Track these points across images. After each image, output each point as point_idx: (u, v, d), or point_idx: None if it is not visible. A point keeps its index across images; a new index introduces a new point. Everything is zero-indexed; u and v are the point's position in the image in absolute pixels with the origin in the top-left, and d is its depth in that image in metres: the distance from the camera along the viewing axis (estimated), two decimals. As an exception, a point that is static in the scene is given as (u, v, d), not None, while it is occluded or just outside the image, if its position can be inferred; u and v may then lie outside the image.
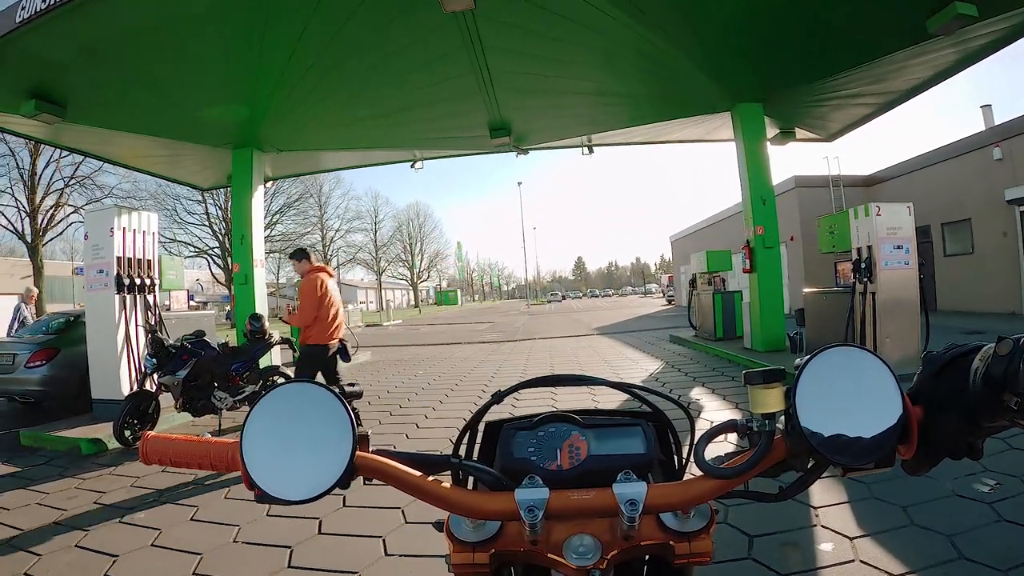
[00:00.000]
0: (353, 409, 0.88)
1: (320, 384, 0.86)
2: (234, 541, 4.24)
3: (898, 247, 9.20)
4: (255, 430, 0.82)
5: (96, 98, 10.47)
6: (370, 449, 0.91)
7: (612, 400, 7.99)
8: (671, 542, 0.89)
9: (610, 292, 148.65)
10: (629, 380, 1.12)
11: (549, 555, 0.87)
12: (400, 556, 3.89)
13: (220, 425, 7.80)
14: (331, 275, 7.52)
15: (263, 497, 0.80)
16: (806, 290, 12.19)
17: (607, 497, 0.85)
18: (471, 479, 1.02)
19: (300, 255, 7.59)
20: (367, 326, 38.46)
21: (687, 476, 0.95)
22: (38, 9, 7.95)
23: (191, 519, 4.75)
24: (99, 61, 9.26)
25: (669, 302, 49.04)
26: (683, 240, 42.34)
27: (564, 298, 76.55)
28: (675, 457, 1.14)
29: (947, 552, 3.46)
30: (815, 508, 4.22)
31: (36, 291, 12.98)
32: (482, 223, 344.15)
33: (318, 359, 7.14)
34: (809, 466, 0.86)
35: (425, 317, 52.23)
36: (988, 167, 18.56)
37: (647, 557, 1.04)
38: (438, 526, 0.97)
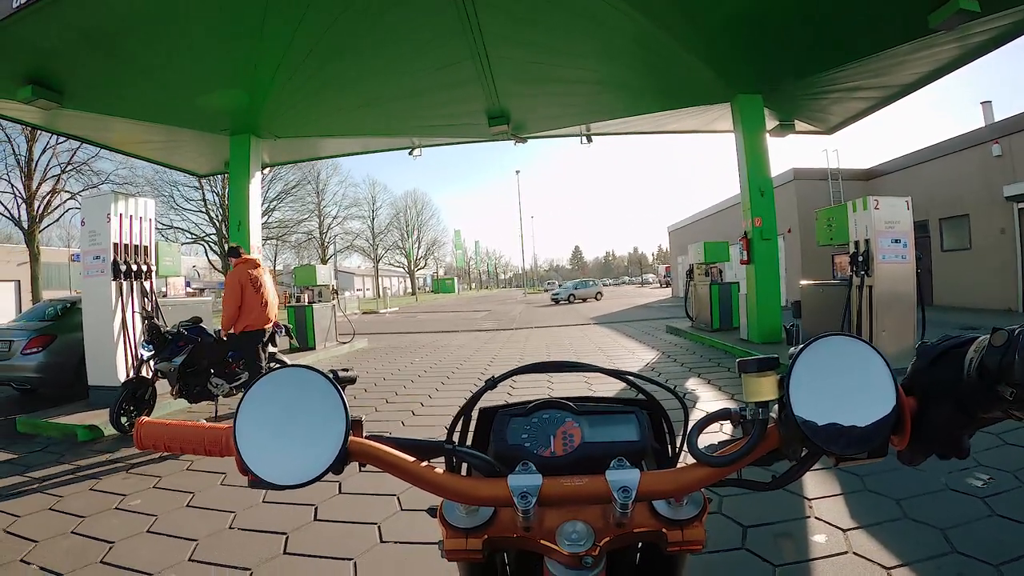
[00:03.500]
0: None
1: (314, 369, 0.86)
2: (230, 527, 4.25)
3: (896, 241, 9.21)
4: (248, 415, 0.82)
5: (93, 84, 10.45)
6: (364, 434, 0.91)
7: (608, 388, 8.00)
8: (663, 529, 0.89)
9: (608, 282, 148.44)
10: (625, 369, 1.12)
11: (542, 541, 0.86)
12: (396, 543, 3.89)
13: (216, 411, 7.81)
14: (256, 265, 8.01)
15: (256, 482, 0.80)
16: (803, 282, 12.20)
17: (600, 484, 0.84)
18: (465, 465, 1.03)
19: (233, 253, 8.17)
20: (364, 313, 38.48)
21: (680, 464, 0.95)
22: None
23: (187, 505, 4.75)
24: (96, 47, 9.23)
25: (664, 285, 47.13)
26: (681, 231, 42.09)
27: (571, 298, 49.75)
28: (669, 445, 1.14)
29: (940, 546, 3.48)
30: (809, 500, 4.23)
31: None
32: (480, 211, 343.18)
33: (252, 343, 7.76)
34: (802, 455, 0.86)
35: (422, 305, 52.22)
36: (987, 163, 18.55)
37: (640, 544, 1.05)
38: (431, 512, 0.97)
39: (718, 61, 11.18)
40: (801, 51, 10.85)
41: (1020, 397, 0.69)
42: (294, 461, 0.80)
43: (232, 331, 7.75)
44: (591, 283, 49.55)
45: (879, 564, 3.31)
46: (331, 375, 0.87)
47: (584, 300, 44.88)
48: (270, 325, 7.98)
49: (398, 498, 4.61)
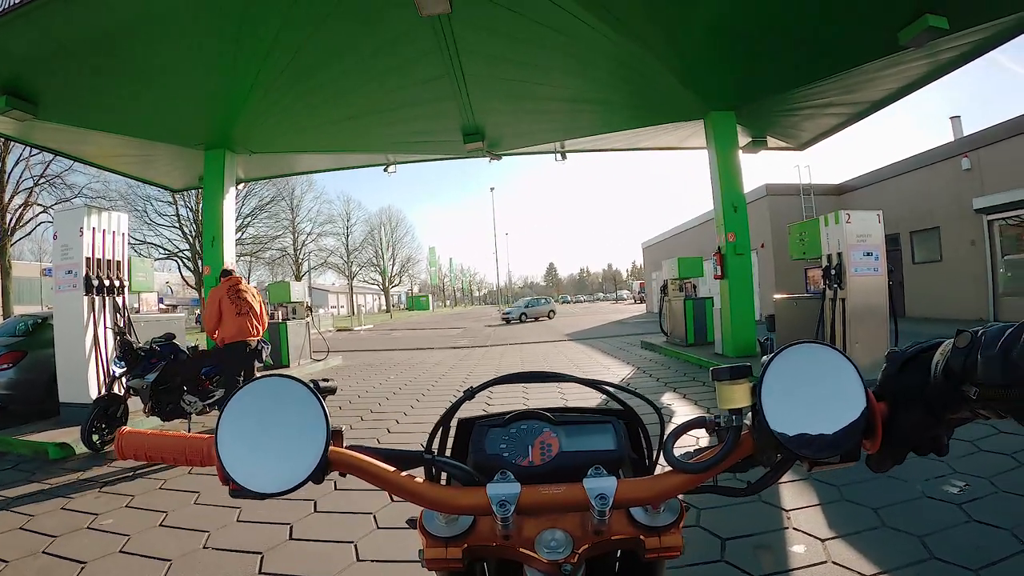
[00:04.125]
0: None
1: (295, 378, 0.86)
2: (204, 547, 4.19)
3: (867, 254, 9.32)
4: (230, 424, 0.82)
5: (68, 96, 10.36)
6: (344, 444, 0.91)
7: (584, 400, 8.00)
8: (641, 536, 0.90)
9: (582, 298, 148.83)
10: (601, 380, 1.12)
11: (521, 549, 0.87)
12: (372, 561, 3.86)
13: (189, 429, 7.69)
14: (237, 282, 8.25)
15: (238, 491, 0.80)
16: (777, 296, 12.30)
17: (577, 492, 0.85)
18: (444, 475, 1.03)
19: (225, 274, 8.49)
20: (338, 330, 38.24)
21: (657, 473, 0.96)
22: (11, 3, 7.86)
23: (160, 525, 4.69)
24: (73, 58, 9.17)
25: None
26: (655, 247, 42.21)
27: (523, 317, 44.31)
28: (645, 454, 1.15)
29: (918, 552, 3.51)
30: (787, 510, 4.25)
31: None
32: (455, 228, 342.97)
33: (235, 354, 7.91)
34: (776, 461, 0.87)
35: (396, 322, 52.08)
36: (957, 177, 18.88)
37: (618, 552, 1.05)
38: (412, 523, 0.97)
39: (692, 78, 11.27)
40: (774, 68, 10.98)
41: (984, 396, 0.71)
42: (275, 470, 0.80)
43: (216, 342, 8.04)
44: (543, 301, 48.26)
45: (858, 572, 3.32)
46: (312, 385, 0.88)
47: (536, 319, 43.66)
48: (253, 339, 7.96)
49: (374, 516, 4.58)
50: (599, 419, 1.10)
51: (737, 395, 0.85)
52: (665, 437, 0.91)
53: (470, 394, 1.05)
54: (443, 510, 0.88)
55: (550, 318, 44.08)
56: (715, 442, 0.90)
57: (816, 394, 0.80)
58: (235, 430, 0.82)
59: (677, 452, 0.87)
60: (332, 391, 0.97)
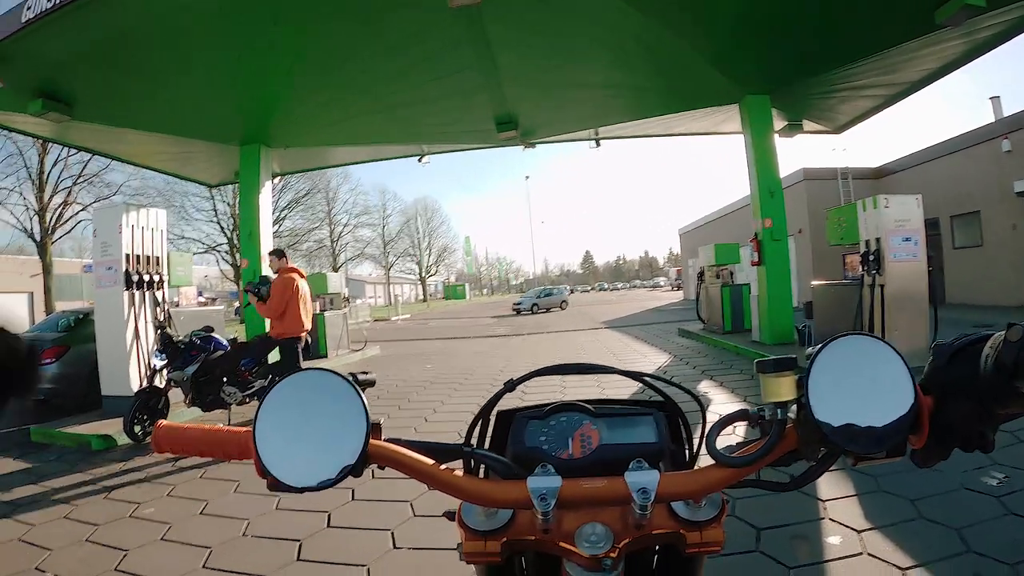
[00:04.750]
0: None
1: (334, 371, 0.86)
2: (243, 535, 4.26)
3: (907, 239, 9.17)
4: (268, 417, 0.82)
5: (103, 96, 10.48)
6: (383, 437, 0.90)
7: (622, 390, 7.98)
8: (682, 531, 0.89)
9: (619, 286, 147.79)
10: (641, 371, 1.12)
11: (561, 543, 0.86)
12: (409, 549, 3.90)
13: (229, 420, 7.82)
14: (303, 275, 8.22)
15: (276, 485, 0.80)
16: (814, 283, 12.15)
17: (619, 485, 0.84)
18: (483, 468, 1.03)
19: (279, 253, 8.33)
20: (375, 320, 38.44)
21: (698, 465, 0.95)
22: (44, 8, 7.96)
23: (200, 513, 4.77)
24: (106, 59, 9.26)
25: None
26: (691, 233, 41.96)
27: (535, 308, 41.63)
28: (686, 446, 1.14)
29: (955, 545, 3.46)
30: (823, 501, 4.21)
31: None
32: (490, 217, 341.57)
33: (290, 348, 7.85)
34: (820, 455, 0.85)
35: (433, 311, 52.29)
36: (997, 159, 18.47)
37: (658, 546, 1.04)
38: (450, 515, 0.97)
39: (726, 62, 11.14)
40: (808, 50, 10.80)
41: None
42: (313, 464, 0.80)
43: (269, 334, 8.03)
44: (556, 291, 46.10)
45: (894, 565, 3.29)
46: (351, 377, 0.87)
47: (548, 310, 41.61)
48: (305, 333, 8.03)
49: (411, 504, 4.61)
50: (640, 411, 1.08)
51: (783, 388, 0.84)
52: (708, 430, 0.90)
53: (511, 386, 1.04)
54: (483, 504, 0.88)
55: (563, 308, 42.87)
56: (756, 435, 0.90)
57: (863, 387, 0.78)
58: (273, 424, 0.82)
59: (719, 445, 0.87)
60: (371, 384, 0.97)
